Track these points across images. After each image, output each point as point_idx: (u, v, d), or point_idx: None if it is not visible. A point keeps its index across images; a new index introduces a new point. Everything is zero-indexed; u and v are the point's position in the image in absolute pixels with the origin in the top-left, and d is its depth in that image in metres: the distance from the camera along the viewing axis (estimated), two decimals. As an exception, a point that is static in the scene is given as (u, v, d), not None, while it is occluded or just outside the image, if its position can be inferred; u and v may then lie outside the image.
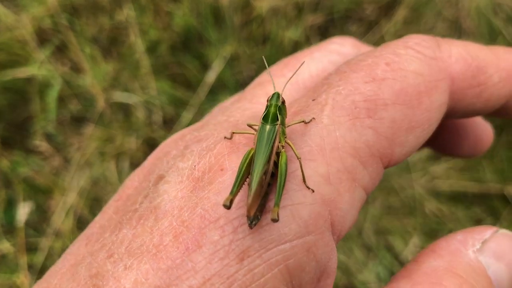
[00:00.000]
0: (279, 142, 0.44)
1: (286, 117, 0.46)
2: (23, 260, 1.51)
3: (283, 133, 0.45)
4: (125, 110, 1.74)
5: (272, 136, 0.44)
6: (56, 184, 1.62)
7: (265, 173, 0.42)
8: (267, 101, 0.46)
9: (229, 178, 0.42)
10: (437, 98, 0.47)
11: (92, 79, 1.71)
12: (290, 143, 0.43)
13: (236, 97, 0.61)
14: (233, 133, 0.45)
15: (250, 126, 0.46)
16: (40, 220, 1.60)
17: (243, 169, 0.41)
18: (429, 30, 1.79)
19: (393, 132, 0.45)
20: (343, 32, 1.78)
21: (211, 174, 0.43)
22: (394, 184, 1.63)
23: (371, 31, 1.81)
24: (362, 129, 0.44)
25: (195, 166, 0.44)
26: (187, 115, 1.65)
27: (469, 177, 1.62)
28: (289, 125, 0.45)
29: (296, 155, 0.42)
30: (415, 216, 1.60)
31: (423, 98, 0.47)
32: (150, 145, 1.68)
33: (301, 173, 0.41)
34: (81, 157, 1.66)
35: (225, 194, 0.41)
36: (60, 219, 1.56)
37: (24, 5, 1.82)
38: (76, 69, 1.77)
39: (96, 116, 1.71)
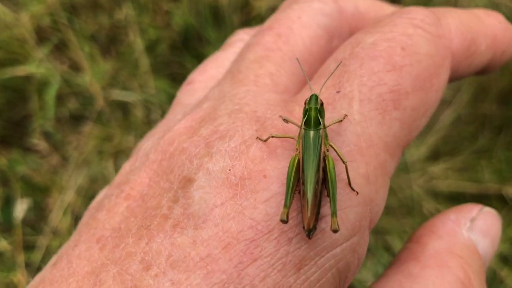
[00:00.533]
0: (324, 146, 0.43)
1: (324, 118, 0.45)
2: (21, 258, 1.50)
3: (326, 136, 0.44)
4: (123, 108, 1.73)
5: (318, 142, 0.43)
6: (54, 183, 1.62)
7: (317, 182, 0.41)
8: (304, 103, 0.44)
9: (274, 186, 0.40)
10: (443, 77, 0.48)
11: (91, 78, 1.71)
12: (334, 146, 0.42)
13: (219, 60, 0.58)
14: (272, 136, 0.43)
15: (285, 120, 0.44)
16: (37, 218, 1.60)
17: (292, 179, 0.40)
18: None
19: (413, 119, 0.46)
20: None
21: (252, 181, 0.41)
22: (392, 184, 1.63)
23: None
24: (391, 122, 0.44)
25: (229, 170, 0.41)
26: (185, 114, 1.65)
27: (468, 178, 1.62)
28: (328, 126, 0.44)
29: (341, 159, 0.41)
30: (413, 216, 1.60)
31: (433, 79, 0.47)
32: (149, 143, 1.67)
33: (345, 176, 0.41)
34: (79, 156, 1.65)
35: (274, 203, 0.40)
36: (58, 218, 1.56)
37: (24, 3, 1.82)
38: (75, 67, 1.76)
39: (94, 115, 1.70)
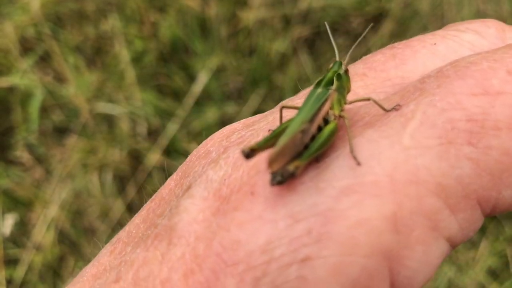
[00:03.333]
0: (331, 109, 0.36)
1: (348, 91, 0.38)
2: (1, 274, 1.47)
3: (339, 103, 0.37)
4: (109, 121, 1.71)
5: (322, 97, 0.36)
6: (37, 197, 1.59)
7: (302, 131, 0.35)
8: (327, 70, 0.38)
9: (258, 207, 0.33)
10: None
11: (76, 89, 1.68)
12: (346, 116, 0.35)
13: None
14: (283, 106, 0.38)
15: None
16: (20, 233, 1.57)
17: (277, 131, 0.35)
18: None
19: (503, 168, 0.33)
20: (330, 44, 1.78)
21: (239, 195, 0.34)
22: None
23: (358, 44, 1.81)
24: (457, 159, 0.32)
25: (225, 180, 0.35)
26: (172, 127, 1.63)
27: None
28: (352, 102, 0.37)
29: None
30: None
31: None
32: (134, 157, 1.65)
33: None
34: (63, 169, 1.63)
35: (250, 230, 0.32)
36: (41, 233, 1.53)
37: (7, 14, 1.79)
38: (60, 79, 1.74)
39: (79, 127, 1.68)
